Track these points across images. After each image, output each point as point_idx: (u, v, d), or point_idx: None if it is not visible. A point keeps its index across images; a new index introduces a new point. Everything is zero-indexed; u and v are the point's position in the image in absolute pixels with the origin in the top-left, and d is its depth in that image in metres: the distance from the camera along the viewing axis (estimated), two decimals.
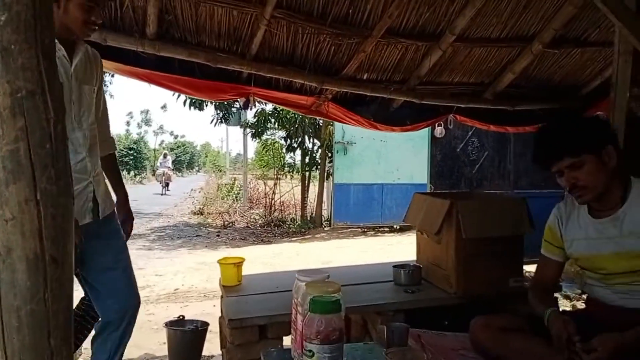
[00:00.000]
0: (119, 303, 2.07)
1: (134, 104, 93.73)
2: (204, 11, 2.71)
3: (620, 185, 1.75)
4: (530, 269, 4.49)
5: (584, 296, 1.99)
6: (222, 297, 2.77)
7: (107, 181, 2.18)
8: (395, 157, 8.17)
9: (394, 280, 2.95)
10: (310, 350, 1.63)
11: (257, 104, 7.57)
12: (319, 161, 10.40)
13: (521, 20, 3.02)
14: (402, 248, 6.13)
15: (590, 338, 1.69)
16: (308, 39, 3.00)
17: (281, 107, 7.22)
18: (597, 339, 1.63)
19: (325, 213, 10.24)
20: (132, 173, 25.05)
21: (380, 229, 8.82)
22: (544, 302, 1.93)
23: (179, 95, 8.67)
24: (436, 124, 3.88)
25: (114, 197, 2.23)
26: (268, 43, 3.01)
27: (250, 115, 11.07)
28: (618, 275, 1.75)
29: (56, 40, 1.66)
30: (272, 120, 10.44)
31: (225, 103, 9.43)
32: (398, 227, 8.54)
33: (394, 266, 3.01)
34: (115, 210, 2.18)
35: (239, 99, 3.45)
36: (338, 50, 3.08)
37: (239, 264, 2.81)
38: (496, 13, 2.96)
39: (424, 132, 6.07)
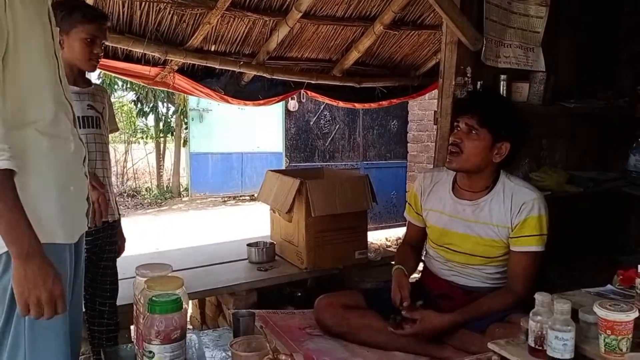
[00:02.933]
0: None
1: None
2: None
3: (491, 176, 1.87)
4: (373, 238, 4.84)
5: (421, 266, 2.16)
6: None
7: None
8: (254, 125, 8.09)
9: (248, 258, 2.97)
10: (150, 352, 1.57)
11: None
12: (174, 127, 9.91)
13: (364, 0, 3.11)
14: (263, 217, 6.16)
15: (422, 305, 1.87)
16: (147, 7, 2.76)
17: None
18: (419, 313, 1.80)
19: (183, 182, 9.86)
20: None
21: (242, 198, 8.77)
22: (399, 258, 2.06)
23: None
24: (289, 98, 3.91)
25: None
26: (101, 7, 2.71)
27: (94, 76, 10.06)
28: (460, 253, 1.90)
29: None
30: (120, 82, 9.62)
31: None
32: None
33: (248, 244, 3.02)
34: None
35: None
36: (181, 20, 2.88)
37: None
38: None
39: (279, 104, 6.11)
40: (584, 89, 2.73)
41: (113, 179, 2.32)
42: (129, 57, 3.05)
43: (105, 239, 2.06)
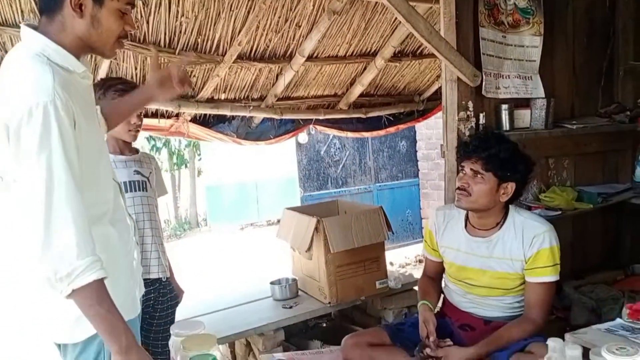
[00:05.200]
0: None
1: None
2: None
3: (501, 213, 1.95)
4: (393, 258, 4.87)
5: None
6: None
7: None
8: (267, 153, 8.24)
9: (272, 296, 3.06)
10: None
11: None
12: (188, 160, 10.11)
13: (363, 39, 3.24)
14: (281, 243, 6.27)
15: (443, 336, 1.96)
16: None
17: None
18: (443, 350, 1.87)
19: (200, 212, 10.03)
20: None
21: (259, 225, 8.90)
22: (423, 291, 2.14)
23: None
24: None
25: None
26: (115, 72, 2.87)
27: None
28: (478, 287, 1.99)
29: (80, 63, 1.26)
30: None
31: None
32: (276, 221, 8.71)
33: (271, 282, 3.12)
34: None
35: None
36: (191, 75, 3.02)
37: None
38: (340, 35, 3.13)
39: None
40: (585, 106, 2.80)
41: None
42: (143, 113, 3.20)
43: (156, 298, 2.09)
